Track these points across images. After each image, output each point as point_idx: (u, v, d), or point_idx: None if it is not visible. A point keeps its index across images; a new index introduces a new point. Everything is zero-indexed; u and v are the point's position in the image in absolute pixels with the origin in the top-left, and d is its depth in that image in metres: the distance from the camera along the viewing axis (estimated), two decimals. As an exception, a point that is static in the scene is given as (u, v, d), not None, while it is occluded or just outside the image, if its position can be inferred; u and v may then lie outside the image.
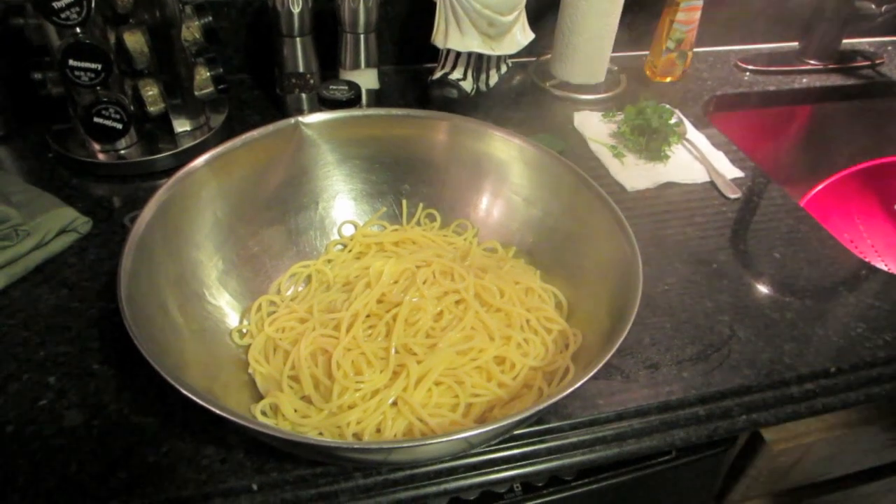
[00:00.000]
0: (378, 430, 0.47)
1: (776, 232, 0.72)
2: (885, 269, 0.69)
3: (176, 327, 0.48)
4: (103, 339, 0.55)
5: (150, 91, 0.72)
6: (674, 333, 0.59)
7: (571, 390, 0.41)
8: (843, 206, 0.94)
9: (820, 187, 0.90)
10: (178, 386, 0.38)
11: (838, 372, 0.57)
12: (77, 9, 0.60)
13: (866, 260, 0.69)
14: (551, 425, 0.52)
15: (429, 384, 0.49)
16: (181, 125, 0.75)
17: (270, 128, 0.59)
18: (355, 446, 0.40)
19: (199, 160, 0.54)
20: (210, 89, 0.75)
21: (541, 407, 0.40)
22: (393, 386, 0.48)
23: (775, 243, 0.70)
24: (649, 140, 0.81)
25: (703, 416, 0.55)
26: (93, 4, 0.61)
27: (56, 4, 0.59)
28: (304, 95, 0.83)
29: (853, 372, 0.58)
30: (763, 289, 0.65)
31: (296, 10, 0.75)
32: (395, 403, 0.48)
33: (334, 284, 0.59)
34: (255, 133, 0.58)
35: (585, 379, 0.42)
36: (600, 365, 0.42)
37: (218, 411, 0.37)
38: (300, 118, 0.60)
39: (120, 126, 0.69)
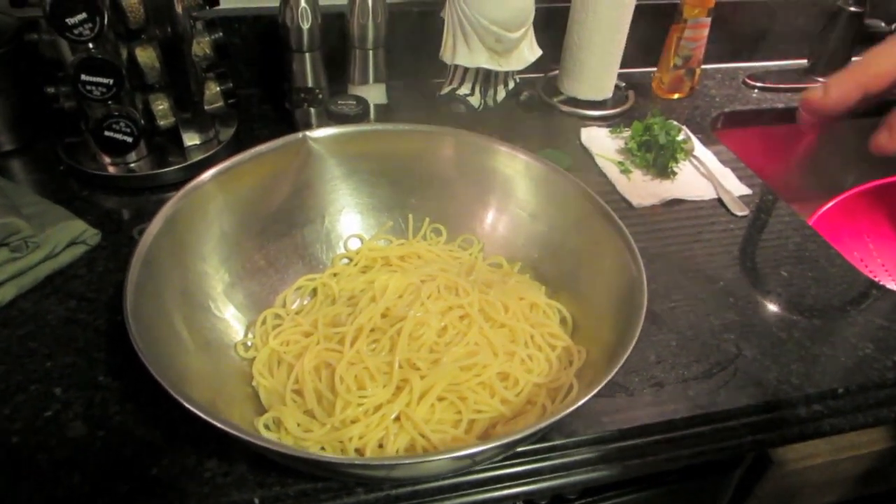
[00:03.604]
0: (380, 446, 0.47)
1: (784, 250, 0.72)
2: (895, 288, 0.69)
3: (181, 340, 0.48)
4: (110, 351, 0.55)
5: (161, 105, 0.73)
6: (679, 351, 0.59)
7: (574, 408, 0.41)
8: (853, 225, 0.94)
9: (829, 205, 0.90)
10: (182, 401, 0.38)
11: (846, 393, 0.57)
12: (90, 25, 0.61)
13: (877, 279, 0.69)
14: (555, 443, 0.52)
15: (431, 400, 0.48)
16: (191, 139, 0.76)
17: (278, 142, 0.59)
18: (357, 462, 0.40)
19: (206, 174, 0.54)
20: (220, 104, 0.76)
21: (543, 425, 0.40)
22: (396, 401, 0.48)
23: (783, 261, 0.70)
24: (656, 156, 0.81)
25: (708, 435, 0.54)
26: (105, 21, 0.62)
27: (69, 21, 0.60)
28: (312, 110, 0.83)
29: (861, 393, 0.57)
30: (770, 307, 0.64)
31: (305, 25, 0.76)
32: (397, 419, 0.48)
33: (339, 298, 0.59)
34: (262, 147, 0.58)
35: (588, 397, 0.42)
36: (603, 383, 0.42)
37: (221, 426, 0.37)
38: (307, 132, 0.61)
39: (130, 140, 0.70)
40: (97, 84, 0.64)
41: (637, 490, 0.60)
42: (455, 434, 0.47)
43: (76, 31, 0.61)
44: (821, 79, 1.05)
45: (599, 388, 0.42)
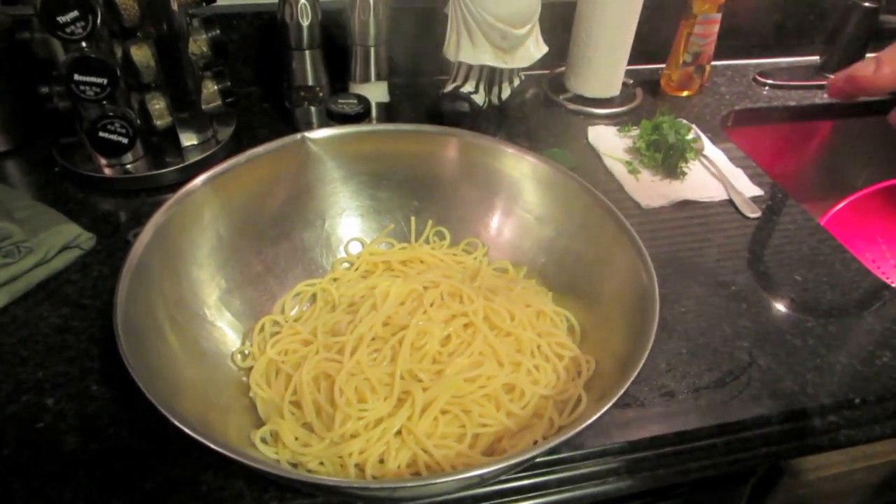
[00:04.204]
0: (381, 461, 0.46)
1: (797, 253, 0.70)
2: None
3: (174, 351, 0.47)
4: (103, 360, 0.54)
5: (157, 105, 0.71)
6: (690, 359, 0.57)
7: (586, 425, 0.39)
8: (865, 225, 0.92)
9: (841, 205, 0.88)
10: (174, 421, 0.37)
11: (863, 403, 0.55)
12: (82, 23, 0.59)
13: (889, 281, 0.67)
14: (562, 455, 0.50)
15: (434, 413, 0.47)
16: (188, 139, 0.74)
17: (275, 144, 0.57)
18: (355, 485, 0.38)
19: (198, 180, 0.52)
20: (217, 103, 0.74)
21: (555, 442, 0.38)
22: (397, 414, 0.47)
23: (796, 265, 0.68)
24: (665, 156, 0.79)
25: (720, 447, 0.52)
26: (98, 19, 0.60)
27: (61, 19, 0.58)
28: (313, 108, 0.81)
29: (878, 403, 0.55)
30: (784, 313, 0.62)
31: (305, 22, 0.74)
32: (399, 433, 0.47)
33: (339, 304, 0.57)
34: (259, 149, 0.56)
35: (601, 412, 0.40)
36: (615, 398, 0.40)
37: (213, 446, 0.36)
38: (306, 134, 0.59)
39: (125, 141, 0.68)
40: (91, 84, 0.63)
41: (646, 503, 0.58)
42: (459, 449, 0.46)
43: (68, 30, 0.59)
44: (833, 76, 1.03)
45: (612, 402, 0.40)
